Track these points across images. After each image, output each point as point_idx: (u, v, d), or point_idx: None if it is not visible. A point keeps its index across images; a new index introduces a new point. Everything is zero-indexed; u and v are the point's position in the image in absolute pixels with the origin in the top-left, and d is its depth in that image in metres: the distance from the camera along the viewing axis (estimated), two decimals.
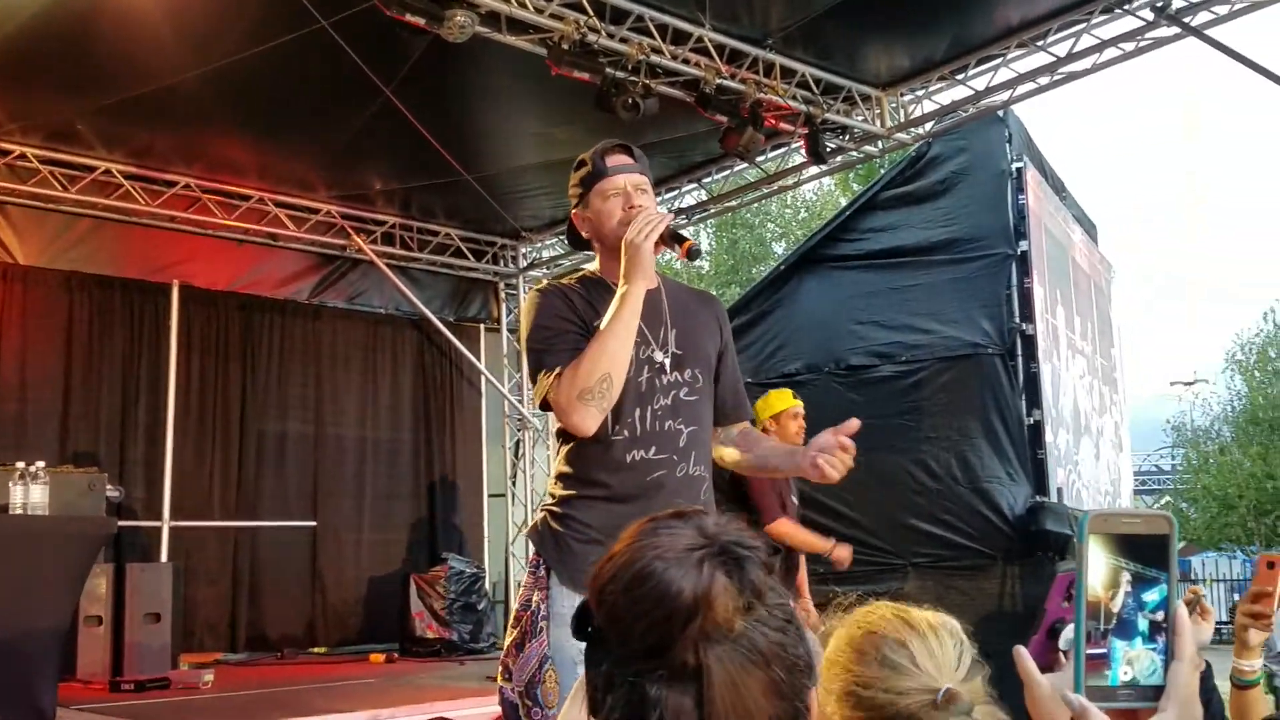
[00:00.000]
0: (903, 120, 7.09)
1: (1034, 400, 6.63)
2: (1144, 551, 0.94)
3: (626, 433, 2.35)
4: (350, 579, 8.21)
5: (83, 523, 5.35)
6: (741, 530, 0.97)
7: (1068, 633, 1.42)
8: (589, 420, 2.26)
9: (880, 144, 7.28)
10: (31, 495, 5.07)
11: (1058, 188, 8.06)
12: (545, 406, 2.35)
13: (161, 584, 6.53)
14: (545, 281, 2.50)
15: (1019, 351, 6.67)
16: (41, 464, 5.19)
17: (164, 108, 6.23)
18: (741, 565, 0.93)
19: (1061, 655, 1.49)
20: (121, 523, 6.78)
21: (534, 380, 2.36)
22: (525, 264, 9.31)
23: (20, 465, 5.15)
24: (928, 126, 7.14)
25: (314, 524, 8.09)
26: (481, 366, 9.10)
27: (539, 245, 9.29)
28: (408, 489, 8.65)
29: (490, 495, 9.26)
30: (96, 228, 7.36)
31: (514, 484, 9.31)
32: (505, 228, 8.84)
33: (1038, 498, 6.45)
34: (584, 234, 2.48)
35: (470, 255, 8.97)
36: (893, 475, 6.88)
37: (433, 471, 8.77)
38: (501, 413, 9.36)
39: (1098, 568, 0.94)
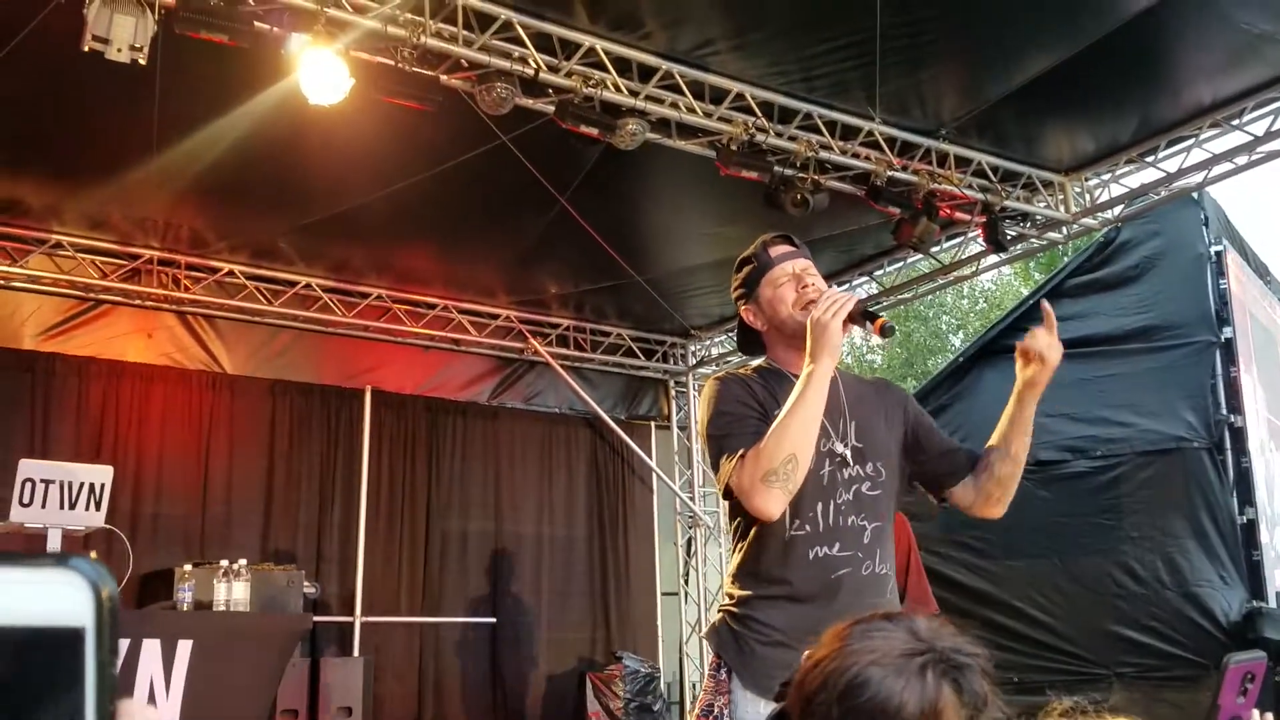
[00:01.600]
0: (1089, 205, 6.81)
1: (1246, 497, 6.17)
2: None
3: (808, 528, 2.27)
4: (529, 676, 8.25)
5: (282, 619, 5.59)
6: (958, 635, 0.90)
7: None
8: (773, 504, 2.18)
9: (1065, 230, 7.01)
10: (234, 592, 5.34)
11: (1261, 271, 7.59)
12: (728, 495, 2.28)
13: (354, 678, 6.71)
14: (722, 372, 2.49)
15: (1227, 445, 6.25)
16: (244, 562, 5.47)
17: (357, 224, 6.61)
18: (964, 674, 0.86)
19: None
20: (316, 618, 7.08)
21: (715, 468, 2.31)
22: (694, 362, 9.36)
23: (225, 563, 5.44)
24: (1116, 211, 6.83)
25: (493, 620, 8.20)
26: (653, 464, 9.13)
27: (708, 343, 9.33)
28: (583, 587, 8.68)
29: (663, 594, 9.18)
30: (297, 338, 7.81)
31: (686, 582, 9.22)
32: (674, 326, 8.94)
33: (1254, 603, 5.94)
34: (757, 326, 2.46)
35: (641, 354, 9.09)
36: (1092, 578, 6.50)
37: (607, 569, 8.79)
38: (673, 510, 9.33)
39: None
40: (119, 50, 4.16)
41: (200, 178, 5.95)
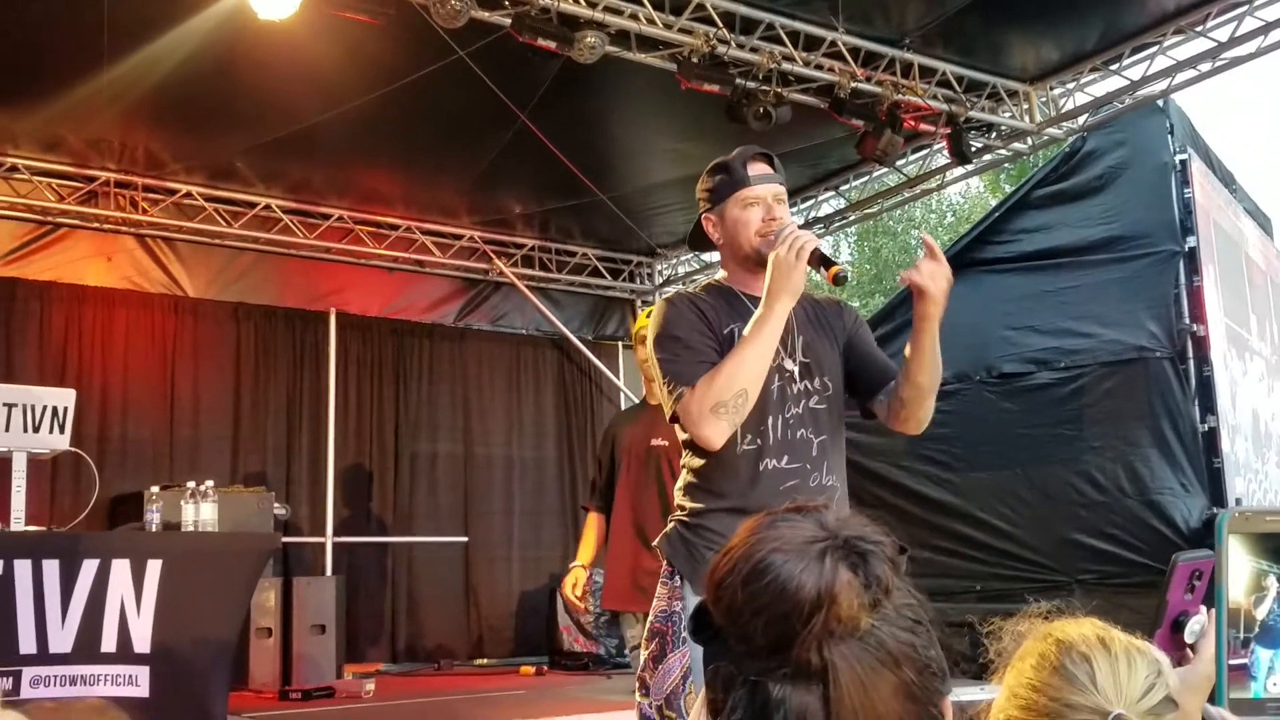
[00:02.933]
0: (1053, 115, 6.81)
1: (1208, 406, 6.24)
2: None
3: (759, 441, 2.31)
4: (502, 594, 8.37)
5: (250, 538, 5.62)
6: (865, 525, 0.93)
7: (1193, 624, 1.31)
8: (719, 434, 2.23)
9: (1030, 140, 7.02)
10: (202, 513, 5.35)
11: (1226, 180, 7.61)
12: (674, 419, 2.32)
13: (326, 597, 6.79)
14: (672, 292, 2.49)
15: (1190, 354, 6.29)
16: (211, 483, 5.48)
17: (315, 144, 6.51)
18: (866, 560, 0.89)
19: (1189, 650, 1.38)
20: (288, 539, 7.13)
21: (663, 386, 2.32)
22: (661, 281, 9.35)
23: (192, 485, 5.45)
24: (1081, 120, 6.84)
25: (466, 540, 8.29)
26: (620, 383, 9.16)
27: (674, 262, 9.31)
28: (554, 505, 8.76)
29: None
30: (259, 260, 7.74)
31: None
32: (640, 245, 8.90)
33: (1215, 509, 6.06)
34: (714, 238, 2.45)
35: (607, 274, 9.06)
36: (1054, 488, 6.58)
37: (576, 488, 8.87)
38: None
39: (1239, 571, 0.85)
40: None
41: (153, 95, 5.81)
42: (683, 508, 2.41)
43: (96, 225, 7.14)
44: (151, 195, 7.19)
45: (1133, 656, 1.14)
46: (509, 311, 8.77)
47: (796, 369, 2.36)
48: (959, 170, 7.40)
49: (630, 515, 4.37)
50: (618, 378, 9.18)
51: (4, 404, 4.90)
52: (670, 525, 2.44)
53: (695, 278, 9.31)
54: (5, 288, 6.81)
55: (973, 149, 6.71)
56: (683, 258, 9.24)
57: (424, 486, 8.20)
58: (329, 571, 7.59)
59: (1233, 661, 0.85)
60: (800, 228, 2.33)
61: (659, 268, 9.34)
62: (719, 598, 0.92)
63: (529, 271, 8.63)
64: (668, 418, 2.34)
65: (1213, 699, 1.00)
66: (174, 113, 6.17)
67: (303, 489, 7.66)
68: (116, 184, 7.06)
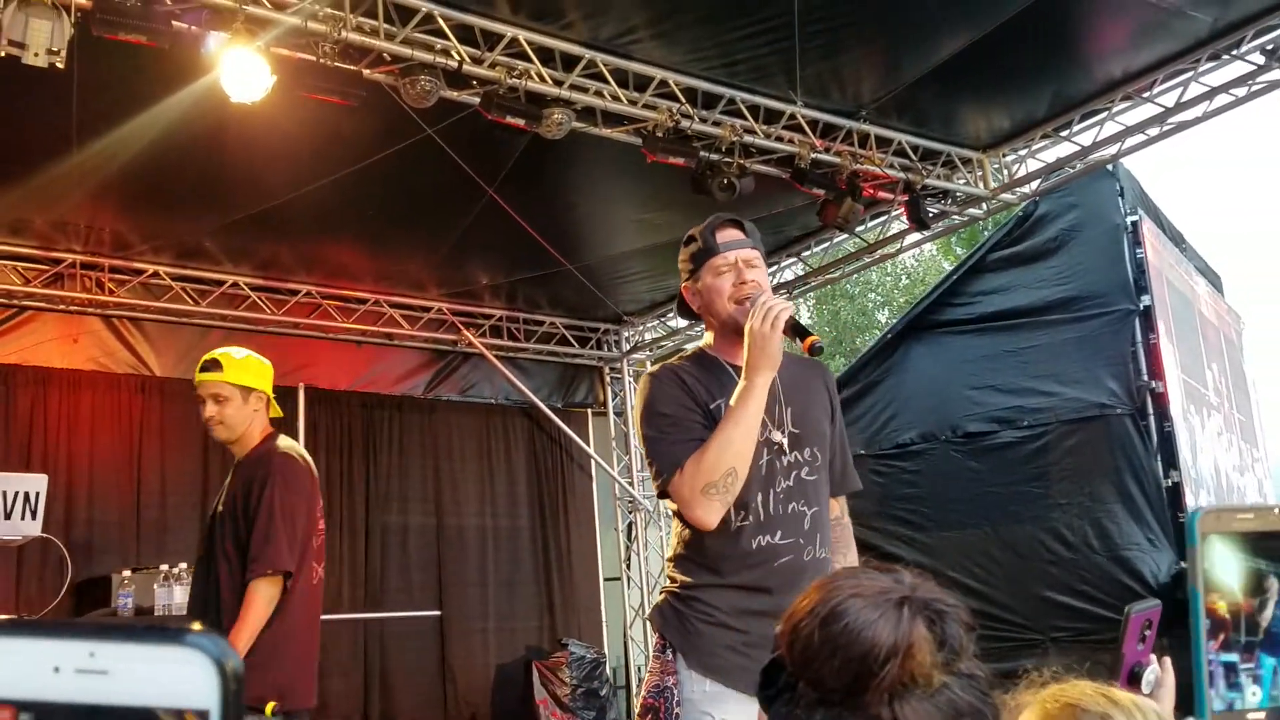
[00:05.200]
0: (1007, 180, 6.99)
1: (1170, 460, 6.36)
2: None
3: (750, 518, 2.30)
4: (478, 667, 8.27)
5: None
6: (938, 588, 0.95)
7: (1148, 675, 1.35)
8: (712, 515, 2.22)
9: (985, 206, 7.19)
10: (175, 596, 5.30)
11: (1176, 239, 7.84)
12: (664, 496, 2.32)
13: None
14: (658, 365, 2.48)
15: (1150, 410, 6.43)
16: (184, 565, 5.42)
17: (283, 221, 6.54)
18: (943, 619, 0.90)
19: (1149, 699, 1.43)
20: None
21: (650, 465, 2.33)
22: (628, 348, 9.41)
23: (165, 568, 5.40)
24: (1034, 185, 7.01)
25: (439, 613, 8.20)
26: (591, 451, 9.18)
27: (641, 329, 9.39)
28: (528, 575, 8.71)
29: (606, 579, 9.25)
30: (227, 337, 7.66)
31: (628, 567, 9.30)
32: (607, 313, 8.98)
33: (1182, 564, 6.15)
34: (694, 307, 2.48)
35: (575, 342, 9.12)
36: (1023, 545, 6.64)
37: (549, 557, 8.83)
38: (613, 496, 9.39)
39: (1233, 572, 0.86)
40: (35, 55, 4.09)
41: (120, 178, 5.84)
42: (673, 579, 2.39)
43: (63, 307, 7.11)
44: (118, 276, 7.17)
45: (1142, 709, 1.18)
46: (478, 381, 8.79)
47: (786, 440, 2.36)
48: (916, 235, 7.56)
49: None
50: (588, 445, 9.19)
51: None
52: (662, 597, 2.42)
53: (662, 344, 9.40)
54: None
55: (930, 215, 6.86)
56: (649, 324, 9.32)
57: (396, 560, 8.13)
58: None
59: (1243, 666, 0.85)
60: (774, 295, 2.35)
61: (626, 334, 9.41)
62: (794, 640, 0.92)
63: (497, 341, 8.66)
64: (657, 495, 2.35)
65: (1190, 709, 1.01)
66: (142, 194, 6.18)
67: None
68: (83, 265, 7.04)
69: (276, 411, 3.61)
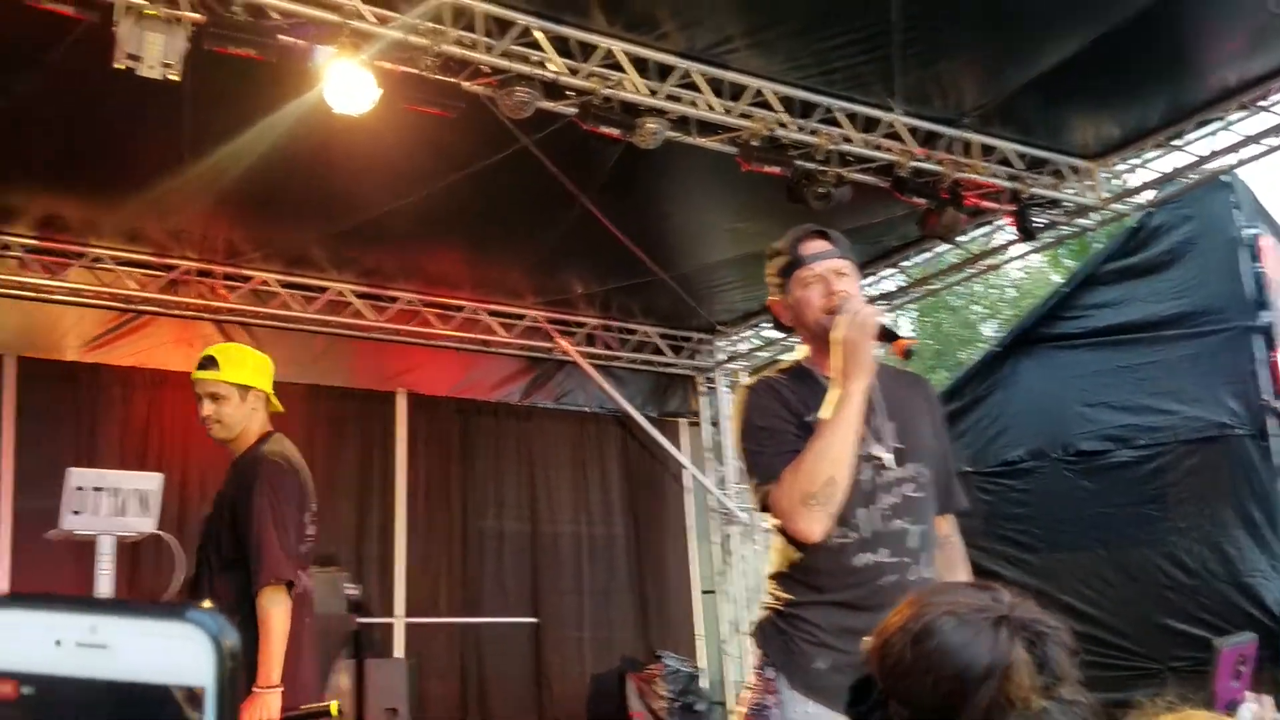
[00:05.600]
0: (1118, 190, 6.77)
1: None
2: None
3: (852, 535, 2.24)
4: (573, 675, 8.30)
5: (329, 620, 5.68)
6: (1039, 609, 0.91)
7: (1243, 712, 1.27)
8: (815, 526, 2.17)
9: (1094, 217, 6.97)
10: None
11: None
12: (765, 509, 2.27)
13: (398, 679, 6.79)
14: (754, 377, 2.45)
15: (1272, 431, 6.16)
16: None
17: (386, 230, 6.70)
18: (1043, 641, 0.87)
19: None
20: (359, 619, 7.18)
21: (750, 478, 2.29)
22: (723, 358, 9.37)
23: None
24: (1146, 196, 6.78)
25: (535, 620, 8.27)
26: (685, 461, 9.16)
27: (734, 339, 9.33)
28: (623, 585, 8.73)
29: (702, 592, 9.21)
30: (331, 344, 7.92)
31: (724, 580, 9.23)
32: (701, 323, 8.96)
33: None
34: (785, 321, 2.44)
35: (669, 351, 9.11)
36: (1139, 569, 6.41)
37: (644, 568, 8.83)
38: (707, 507, 9.35)
39: None
40: (150, 67, 4.26)
41: (233, 188, 6.05)
42: (775, 597, 2.33)
43: (178, 312, 7.38)
44: (230, 282, 7.43)
45: None
46: (573, 389, 8.85)
47: (889, 455, 2.30)
48: (1022, 246, 7.37)
49: None
50: (682, 454, 9.17)
51: (93, 488, 5.05)
52: (763, 614, 2.37)
53: (756, 354, 9.33)
54: (89, 374, 7.05)
55: (1037, 225, 6.68)
56: (742, 334, 9.27)
57: (492, 565, 8.24)
58: (399, 653, 7.61)
59: None
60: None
61: (719, 344, 9.37)
62: (884, 656, 0.89)
63: (592, 349, 8.71)
64: (758, 509, 2.31)
65: None
66: (253, 203, 6.41)
67: (373, 568, 7.73)
68: (197, 272, 7.32)
69: (277, 407, 3.55)
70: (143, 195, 6.19)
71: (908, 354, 2.24)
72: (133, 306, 7.26)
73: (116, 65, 4.25)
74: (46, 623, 0.49)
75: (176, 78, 4.32)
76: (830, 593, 2.24)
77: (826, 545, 2.22)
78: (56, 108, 5.23)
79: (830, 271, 2.34)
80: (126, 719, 0.48)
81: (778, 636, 2.29)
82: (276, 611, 3.08)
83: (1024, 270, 20.31)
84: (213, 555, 3.22)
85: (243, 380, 3.43)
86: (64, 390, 6.95)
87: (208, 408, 3.38)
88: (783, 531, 2.29)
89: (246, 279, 7.46)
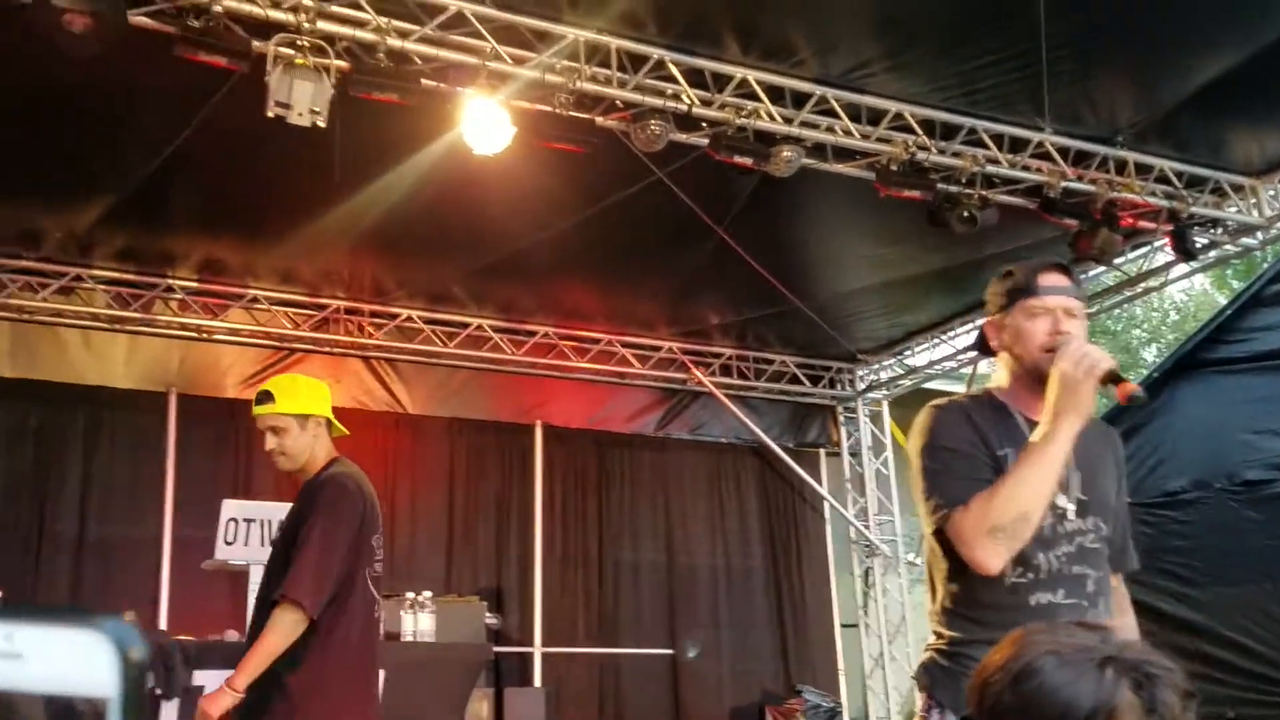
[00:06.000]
0: None
1: None
2: None
3: (1030, 575, 2.15)
4: (712, 708, 8.22)
5: (466, 649, 5.76)
6: (1155, 651, 0.86)
7: None
8: (995, 559, 2.08)
9: (1259, 236, 6.58)
10: (420, 623, 5.53)
11: None
12: (939, 534, 2.18)
13: (536, 708, 6.84)
14: (943, 399, 2.33)
15: None
16: (429, 594, 5.66)
17: (523, 266, 6.82)
18: (1153, 683, 0.82)
19: None
20: (498, 649, 7.26)
21: (927, 499, 2.18)
22: (863, 387, 9.18)
23: (411, 595, 5.66)
24: None
25: (672, 652, 8.22)
26: (824, 493, 8.99)
27: (876, 368, 9.13)
28: (762, 617, 8.62)
29: (842, 625, 8.99)
30: (472, 377, 8.10)
31: (865, 613, 8.99)
32: (840, 352, 8.80)
33: None
34: (993, 345, 2.31)
35: (806, 381, 8.98)
36: None
37: (782, 600, 8.70)
38: (847, 539, 9.14)
39: None
40: (299, 114, 4.43)
41: (377, 228, 6.25)
42: (940, 635, 2.26)
43: (328, 349, 7.67)
44: (376, 320, 7.68)
45: None
46: (708, 420, 8.81)
47: (1072, 506, 2.20)
48: (1183, 268, 7.00)
49: None
50: (821, 486, 9.01)
51: (244, 519, 5.27)
52: (927, 655, 2.29)
53: (899, 383, 9.11)
54: (246, 410, 7.31)
55: (1198, 246, 6.34)
56: (885, 363, 9.07)
57: (629, 595, 8.25)
58: (538, 682, 7.66)
59: None
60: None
61: (860, 373, 9.18)
62: (984, 697, 0.85)
63: (727, 380, 8.65)
64: (929, 533, 2.21)
65: None
66: (398, 244, 6.60)
67: (512, 598, 7.83)
68: (346, 310, 7.58)
69: (341, 430, 3.53)
70: (295, 237, 6.46)
71: (1133, 400, 2.10)
72: (286, 344, 7.57)
73: (268, 114, 4.43)
74: None
75: (323, 124, 4.48)
76: (1002, 631, 2.12)
77: (1000, 582, 2.13)
78: (215, 156, 5.49)
79: (1061, 309, 2.20)
80: None
81: (946, 677, 2.19)
82: (279, 625, 3.04)
83: (1186, 292, 19.34)
84: (274, 579, 3.22)
85: (299, 410, 3.41)
86: (224, 426, 7.27)
87: (270, 442, 3.38)
88: (951, 560, 2.20)
89: (392, 316, 7.69)
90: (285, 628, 3.05)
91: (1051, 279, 2.22)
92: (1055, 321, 2.18)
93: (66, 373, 7.02)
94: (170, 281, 7.08)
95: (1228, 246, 6.74)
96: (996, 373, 2.35)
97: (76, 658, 0.48)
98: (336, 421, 3.51)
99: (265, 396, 3.41)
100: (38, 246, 6.62)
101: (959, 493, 2.12)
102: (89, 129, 5.24)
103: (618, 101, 4.99)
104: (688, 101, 5.02)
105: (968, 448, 2.18)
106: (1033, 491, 2.06)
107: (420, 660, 5.32)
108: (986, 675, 0.86)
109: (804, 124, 5.27)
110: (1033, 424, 2.16)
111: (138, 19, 4.19)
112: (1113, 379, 2.08)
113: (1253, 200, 6.38)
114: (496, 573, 7.85)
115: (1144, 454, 7.11)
